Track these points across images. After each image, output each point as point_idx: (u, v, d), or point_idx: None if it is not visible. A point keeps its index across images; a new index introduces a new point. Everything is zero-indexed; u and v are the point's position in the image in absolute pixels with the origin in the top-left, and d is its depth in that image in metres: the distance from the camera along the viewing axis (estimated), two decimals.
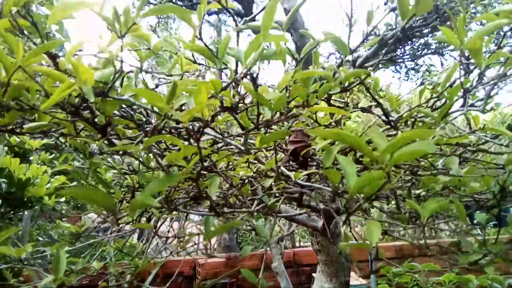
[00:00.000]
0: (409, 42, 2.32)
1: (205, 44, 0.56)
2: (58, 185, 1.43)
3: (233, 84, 0.56)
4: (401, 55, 2.40)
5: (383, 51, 1.93)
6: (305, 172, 0.77)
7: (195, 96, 0.45)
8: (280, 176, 0.78)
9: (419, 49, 2.38)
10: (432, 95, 0.68)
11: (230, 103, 0.53)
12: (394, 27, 2.04)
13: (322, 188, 0.80)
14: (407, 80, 2.75)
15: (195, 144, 0.55)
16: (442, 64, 2.50)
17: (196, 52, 0.59)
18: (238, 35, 0.53)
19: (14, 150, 1.59)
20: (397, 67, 2.64)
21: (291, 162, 0.90)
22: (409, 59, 2.51)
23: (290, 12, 0.56)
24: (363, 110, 0.77)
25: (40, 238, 3.27)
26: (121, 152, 0.82)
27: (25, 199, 1.45)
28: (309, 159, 0.88)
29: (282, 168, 0.78)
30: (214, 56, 0.58)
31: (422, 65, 2.64)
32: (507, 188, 0.74)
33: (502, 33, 0.86)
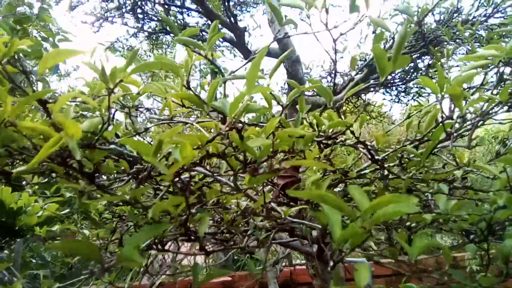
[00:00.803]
0: None
1: (193, 92, 0.57)
2: (50, 213, 1.42)
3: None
4: (391, 79, 2.44)
5: (374, 75, 1.97)
6: (294, 208, 0.78)
7: (181, 150, 0.46)
8: (270, 212, 0.79)
9: (409, 72, 2.42)
10: (416, 135, 0.70)
11: (216, 150, 0.54)
12: None
13: (312, 225, 0.81)
14: (398, 102, 2.80)
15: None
16: None
17: (184, 99, 0.60)
18: (224, 86, 0.54)
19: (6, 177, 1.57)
20: (388, 90, 2.68)
21: (281, 196, 0.90)
22: (400, 82, 2.56)
23: (278, 59, 0.57)
24: (351, 146, 0.78)
25: (33, 260, 3.22)
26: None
27: (17, 228, 1.44)
28: None
29: (272, 204, 0.78)
30: (202, 101, 0.59)
31: (412, 88, 2.69)
32: (494, 223, 0.75)
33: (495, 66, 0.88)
